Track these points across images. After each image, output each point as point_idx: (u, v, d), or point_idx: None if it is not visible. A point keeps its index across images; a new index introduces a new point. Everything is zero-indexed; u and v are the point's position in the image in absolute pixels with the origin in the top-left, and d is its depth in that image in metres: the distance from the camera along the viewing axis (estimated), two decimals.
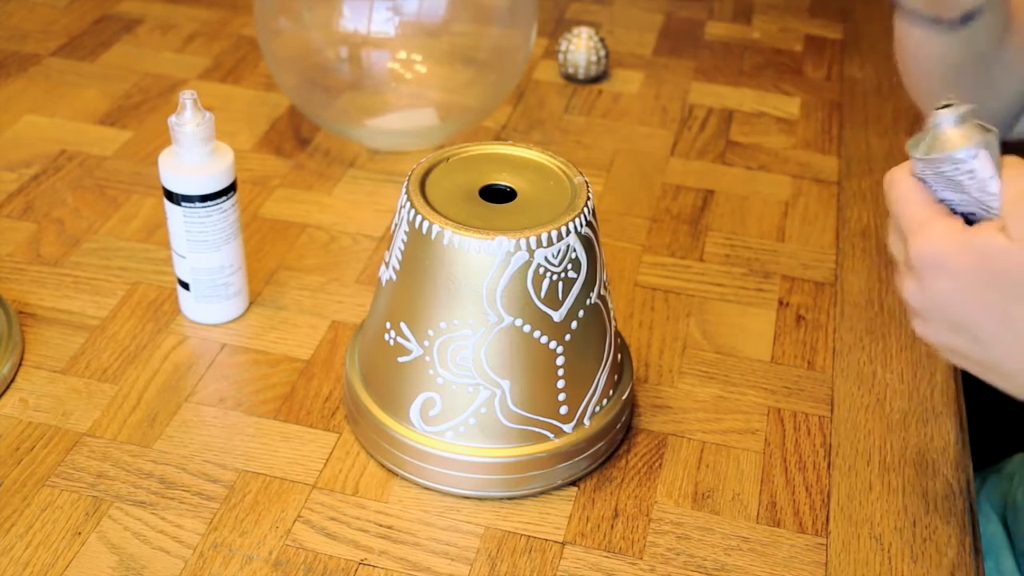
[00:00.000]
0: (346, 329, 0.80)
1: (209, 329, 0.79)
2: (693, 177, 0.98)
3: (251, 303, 0.81)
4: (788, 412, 0.75)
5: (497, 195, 0.65)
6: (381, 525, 0.66)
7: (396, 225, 0.66)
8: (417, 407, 0.66)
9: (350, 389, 0.70)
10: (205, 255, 0.76)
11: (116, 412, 0.72)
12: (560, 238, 0.62)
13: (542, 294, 0.62)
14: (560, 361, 0.65)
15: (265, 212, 0.91)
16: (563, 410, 0.66)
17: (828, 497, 0.69)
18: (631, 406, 0.73)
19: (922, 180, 0.56)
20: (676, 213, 0.94)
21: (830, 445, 0.72)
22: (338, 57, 0.99)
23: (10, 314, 0.77)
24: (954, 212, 0.55)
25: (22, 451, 0.69)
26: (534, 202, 0.65)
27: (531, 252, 0.61)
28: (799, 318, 0.83)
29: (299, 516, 0.66)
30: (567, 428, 0.67)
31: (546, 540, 0.65)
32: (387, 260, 0.67)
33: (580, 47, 1.10)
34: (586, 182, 0.66)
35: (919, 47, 0.79)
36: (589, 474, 0.69)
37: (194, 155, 0.73)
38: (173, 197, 0.74)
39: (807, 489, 0.69)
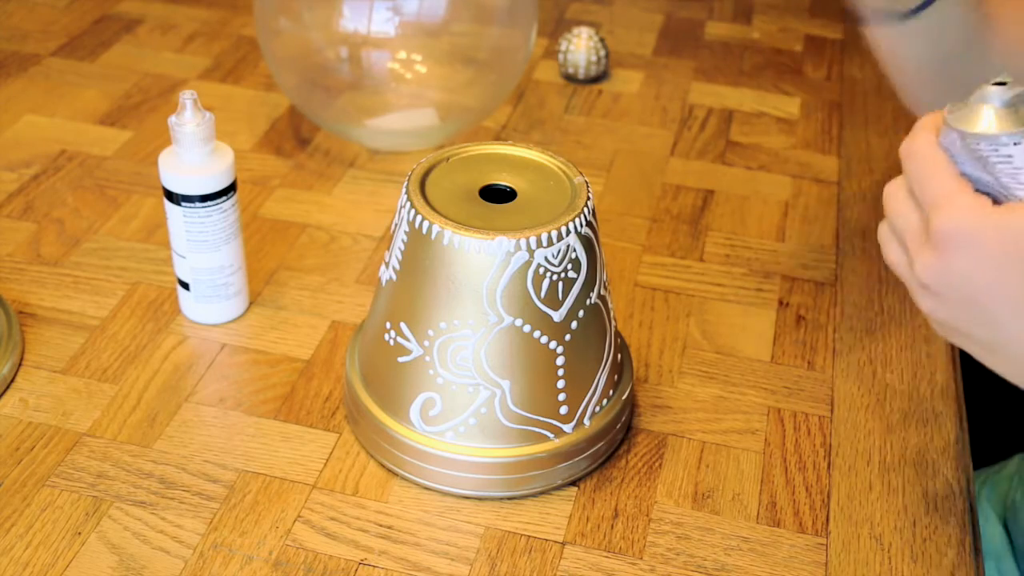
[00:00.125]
0: (346, 329, 0.80)
1: (209, 329, 0.79)
2: (693, 177, 0.98)
3: (251, 303, 0.81)
4: (788, 412, 0.75)
5: (497, 195, 0.65)
6: (381, 525, 0.66)
7: (396, 225, 0.66)
8: (417, 407, 0.66)
9: (350, 389, 0.70)
10: (205, 255, 0.76)
11: (116, 412, 0.72)
12: (560, 238, 0.62)
13: (542, 294, 0.62)
14: (560, 361, 0.65)
15: (265, 212, 0.91)
16: (563, 410, 0.66)
17: (828, 497, 0.69)
18: (631, 406, 0.73)
19: (946, 150, 0.54)
20: (676, 213, 0.94)
21: (830, 445, 0.72)
22: (338, 57, 0.99)
23: (10, 314, 0.77)
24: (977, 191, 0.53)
25: (22, 451, 0.69)
26: (534, 202, 0.65)
27: (531, 252, 0.61)
28: (799, 318, 0.83)
29: (299, 516, 0.66)
30: (567, 428, 0.67)
31: (546, 540, 0.65)
32: (387, 260, 0.67)
33: (580, 47, 1.10)
34: (586, 182, 0.66)
35: (891, 51, 0.78)
36: (589, 474, 0.69)
37: (194, 155, 0.73)
38: (173, 197, 0.74)
39: (807, 489, 0.69)
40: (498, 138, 1.02)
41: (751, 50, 1.20)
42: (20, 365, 0.75)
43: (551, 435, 0.66)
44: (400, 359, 0.66)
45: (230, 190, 0.75)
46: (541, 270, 0.62)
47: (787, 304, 0.84)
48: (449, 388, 0.65)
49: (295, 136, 1.01)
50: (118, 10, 1.21)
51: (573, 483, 0.69)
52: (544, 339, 0.64)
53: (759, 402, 0.75)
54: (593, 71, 1.10)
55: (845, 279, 0.87)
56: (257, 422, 0.72)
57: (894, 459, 0.71)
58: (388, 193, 0.94)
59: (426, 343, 0.64)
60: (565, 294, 0.63)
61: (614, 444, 0.71)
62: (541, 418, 0.66)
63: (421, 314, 0.64)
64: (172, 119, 0.72)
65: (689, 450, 0.72)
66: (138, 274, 0.84)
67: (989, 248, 0.52)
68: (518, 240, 0.61)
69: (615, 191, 0.96)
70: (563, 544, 0.65)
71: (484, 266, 0.61)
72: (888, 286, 0.86)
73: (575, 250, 0.63)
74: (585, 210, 0.63)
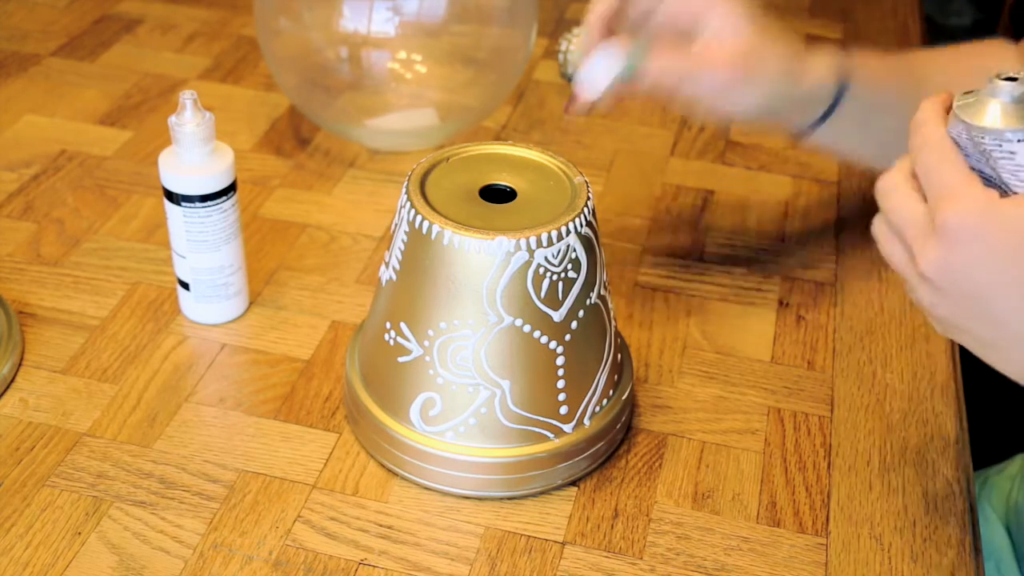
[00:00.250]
0: (346, 329, 0.80)
1: (209, 329, 0.79)
2: (693, 177, 0.98)
3: (251, 303, 0.81)
4: (788, 412, 0.75)
5: (497, 195, 0.65)
6: (381, 525, 0.66)
7: (396, 225, 0.66)
8: (417, 407, 0.66)
9: (350, 389, 0.70)
10: (205, 255, 0.76)
11: (116, 412, 0.72)
12: (560, 238, 0.62)
13: (542, 294, 0.62)
14: (560, 361, 0.65)
15: (265, 212, 0.91)
16: (563, 410, 0.66)
17: (828, 497, 0.69)
18: (631, 406, 0.73)
19: (954, 141, 0.53)
20: (676, 213, 0.94)
21: (830, 445, 0.72)
22: (338, 57, 0.99)
23: (10, 314, 0.77)
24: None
25: (22, 451, 0.69)
26: (534, 202, 0.65)
27: (531, 252, 0.61)
28: (799, 318, 0.83)
29: (299, 516, 0.66)
30: (567, 428, 0.67)
31: (546, 540, 0.65)
32: (387, 260, 0.67)
33: (580, 47, 1.09)
34: (586, 182, 0.66)
35: (826, 148, 0.81)
36: (589, 474, 0.69)
37: (194, 155, 0.73)
38: (173, 197, 0.74)
39: (807, 489, 0.69)
40: (498, 138, 1.02)
41: None
42: (20, 365, 0.75)
43: (551, 435, 0.66)
44: (400, 359, 0.66)
45: (230, 190, 0.75)
46: (541, 270, 0.62)
47: (787, 304, 0.84)
48: (449, 388, 0.65)
49: (295, 136, 1.01)
50: (118, 10, 1.21)
51: (573, 483, 0.69)
52: (544, 339, 0.64)
53: (759, 402, 0.75)
54: None
55: (845, 279, 0.87)
56: (257, 422, 0.72)
57: (894, 459, 0.71)
58: (388, 193, 0.94)
59: (426, 343, 0.64)
60: (565, 294, 0.63)
61: (614, 444, 0.71)
62: (541, 418, 0.66)
63: (421, 314, 0.64)
64: (172, 119, 0.72)
65: (689, 450, 0.72)
66: (138, 274, 0.84)
67: (995, 242, 0.51)
68: (518, 240, 0.61)
69: (615, 191, 0.96)
70: (563, 544, 0.65)
71: (484, 266, 0.61)
72: (888, 286, 0.86)
73: (575, 250, 0.63)
74: (585, 210, 0.63)
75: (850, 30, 1.25)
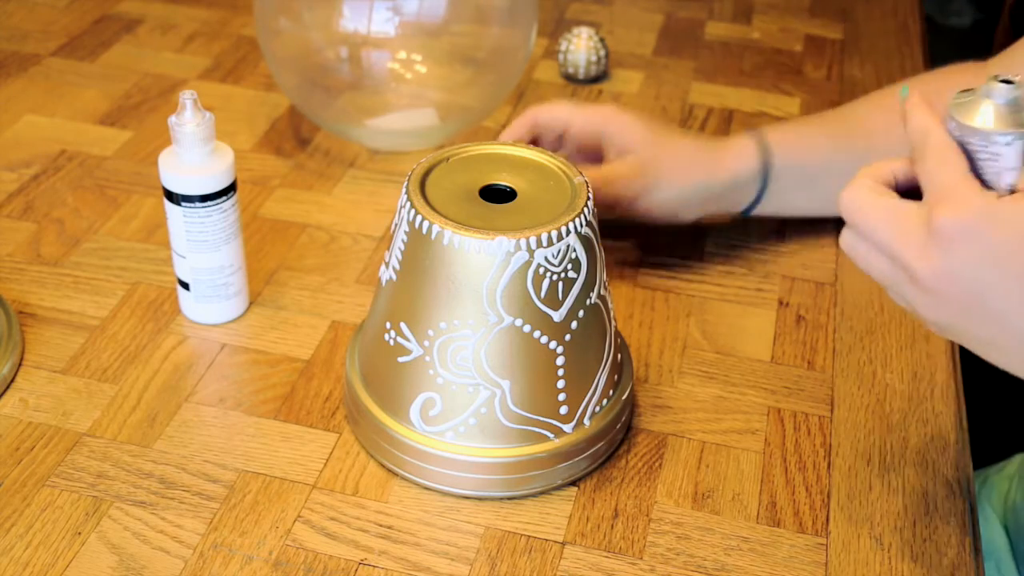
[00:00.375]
0: (346, 329, 0.80)
1: (209, 329, 0.79)
2: None
3: (251, 303, 0.81)
4: (788, 412, 0.75)
5: (497, 195, 0.65)
6: (381, 525, 0.66)
7: (396, 225, 0.66)
8: (417, 407, 0.66)
9: (350, 389, 0.70)
10: (205, 255, 0.76)
11: (116, 412, 0.72)
12: (560, 238, 0.62)
13: (542, 294, 0.62)
14: (560, 361, 0.65)
15: (265, 212, 0.91)
16: (563, 410, 0.66)
17: (828, 497, 0.69)
18: (631, 406, 0.73)
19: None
20: None
21: (830, 445, 0.72)
22: (338, 57, 0.99)
23: (10, 314, 0.77)
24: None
25: (22, 451, 0.69)
26: (534, 202, 0.65)
27: (531, 252, 0.61)
28: (799, 318, 0.83)
29: (299, 516, 0.66)
30: (567, 428, 0.67)
31: (546, 540, 0.65)
32: (387, 260, 0.67)
33: (580, 47, 1.10)
34: (586, 182, 0.66)
35: (775, 216, 0.88)
36: (589, 474, 0.69)
37: (194, 155, 0.73)
38: (173, 197, 0.74)
39: (807, 489, 0.69)
40: (498, 138, 1.02)
41: (751, 50, 1.20)
42: (20, 365, 0.75)
43: (551, 435, 0.66)
44: (400, 359, 0.66)
45: (230, 190, 0.75)
46: (541, 270, 0.62)
47: (787, 304, 0.84)
48: (449, 388, 0.65)
49: (295, 136, 1.01)
50: (118, 10, 1.21)
51: (573, 483, 0.69)
52: (544, 339, 0.64)
53: (759, 402, 0.75)
54: (593, 71, 1.10)
55: (845, 279, 0.87)
56: (257, 422, 0.72)
57: (894, 459, 0.71)
58: (388, 193, 0.94)
59: (426, 343, 0.64)
60: (565, 294, 0.63)
61: (614, 444, 0.71)
62: (541, 418, 0.66)
63: (421, 314, 0.64)
64: (172, 119, 0.72)
65: (689, 450, 0.72)
66: (138, 274, 0.84)
67: (993, 240, 0.51)
68: (518, 240, 0.61)
69: None
70: (563, 544, 0.65)
71: (484, 266, 0.61)
72: None
73: (575, 250, 0.63)
74: (585, 210, 0.63)
75: (850, 30, 1.25)
